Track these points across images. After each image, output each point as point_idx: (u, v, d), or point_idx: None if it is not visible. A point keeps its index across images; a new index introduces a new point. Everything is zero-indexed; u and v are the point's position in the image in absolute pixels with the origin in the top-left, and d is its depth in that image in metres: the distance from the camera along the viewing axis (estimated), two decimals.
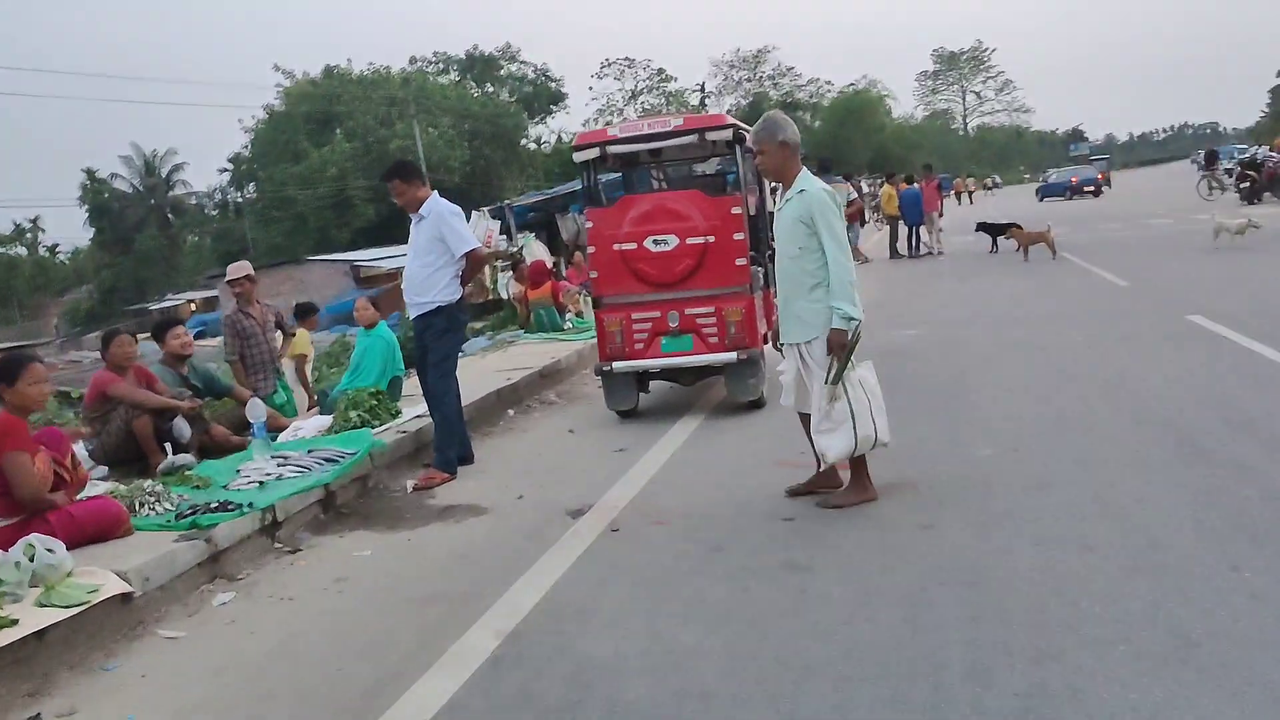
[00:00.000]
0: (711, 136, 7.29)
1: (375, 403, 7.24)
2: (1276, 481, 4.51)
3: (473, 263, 6.49)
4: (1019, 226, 18.72)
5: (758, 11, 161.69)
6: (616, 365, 7.37)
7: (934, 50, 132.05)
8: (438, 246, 6.38)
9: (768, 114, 5.04)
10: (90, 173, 65.73)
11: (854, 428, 4.80)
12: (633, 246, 7.23)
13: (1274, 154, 30.45)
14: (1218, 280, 12.04)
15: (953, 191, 54.26)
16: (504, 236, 18.13)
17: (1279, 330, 8.20)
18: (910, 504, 4.85)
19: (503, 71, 69.15)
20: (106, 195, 66.42)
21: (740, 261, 7.22)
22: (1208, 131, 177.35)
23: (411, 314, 6.60)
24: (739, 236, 7.19)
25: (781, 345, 5.15)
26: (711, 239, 7.16)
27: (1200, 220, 23.56)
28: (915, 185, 21.52)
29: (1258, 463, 4.81)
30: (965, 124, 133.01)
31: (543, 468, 6.56)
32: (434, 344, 6.48)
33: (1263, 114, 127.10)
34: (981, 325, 10.43)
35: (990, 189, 78.81)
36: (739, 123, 7.67)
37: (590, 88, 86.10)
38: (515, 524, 5.33)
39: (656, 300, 7.30)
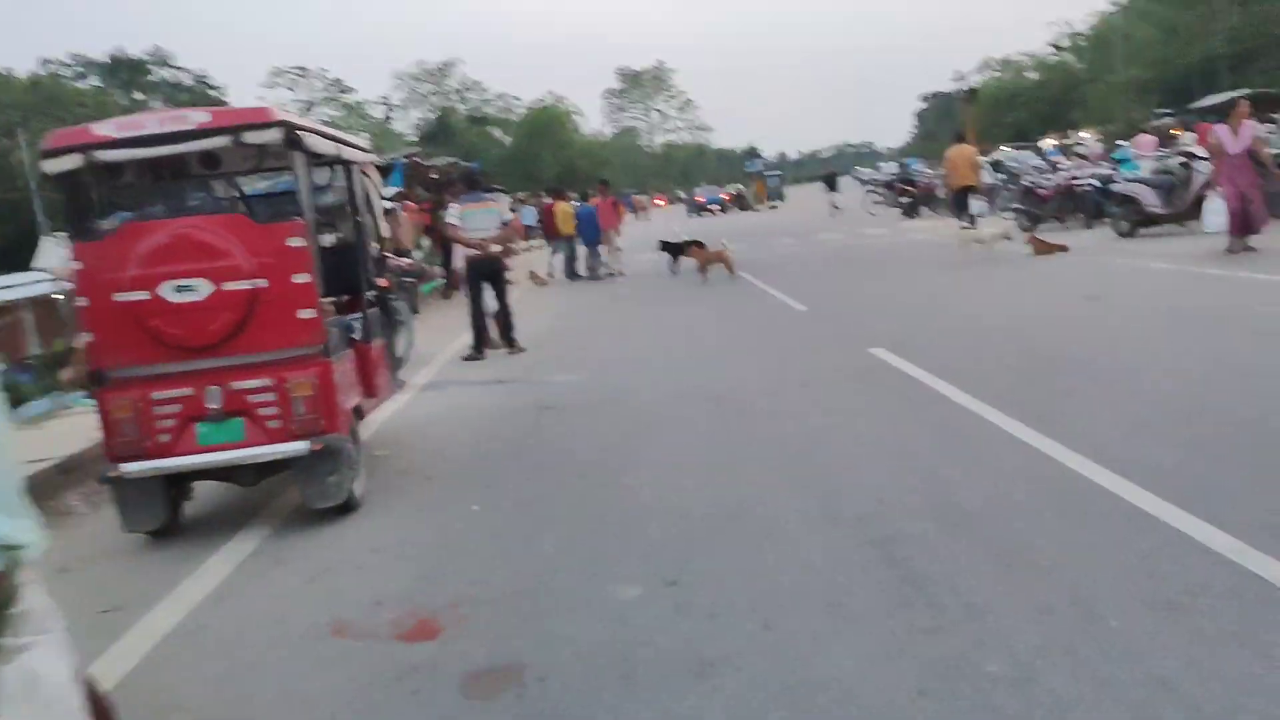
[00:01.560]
0: (252, 139, 5.15)
1: None
2: (1026, 648, 3.06)
3: None
4: (699, 245, 17.86)
5: (440, 24, 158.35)
6: (130, 468, 5.05)
7: (618, 69, 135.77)
8: None
9: None
10: None
11: None
12: (144, 296, 4.96)
13: (928, 170, 32.33)
14: (894, 303, 11.39)
15: (634, 208, 54.52)
16: None
17: (964, 366, 7.26)
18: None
19: (153, 77, 62.47)
20: None
21: (307, 314, 5.14)
22: (865, 151, 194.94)
23: None
24: (302, 279, 5.12)
25: None
26: (262, 283, 5.05)
27: (868, 235, 24.14)
28: (589, 202, 20.27)
29: (993, 605, 3.38)
30: (652, 141, 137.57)
31: None
32: None
33: (911, 135, 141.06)
34: (654, 365, 8.98)
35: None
36: (296, 119, 5.61)
37: (261, 98, 79.91)
38: None
39: (187, 371, 5.08)
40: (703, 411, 6.88)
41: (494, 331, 10.88)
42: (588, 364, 9.40)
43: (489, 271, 10.44)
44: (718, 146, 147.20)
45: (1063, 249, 14.57)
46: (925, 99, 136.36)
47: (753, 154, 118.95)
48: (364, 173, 6.89)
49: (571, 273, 20.30)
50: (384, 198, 8.90)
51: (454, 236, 10.53)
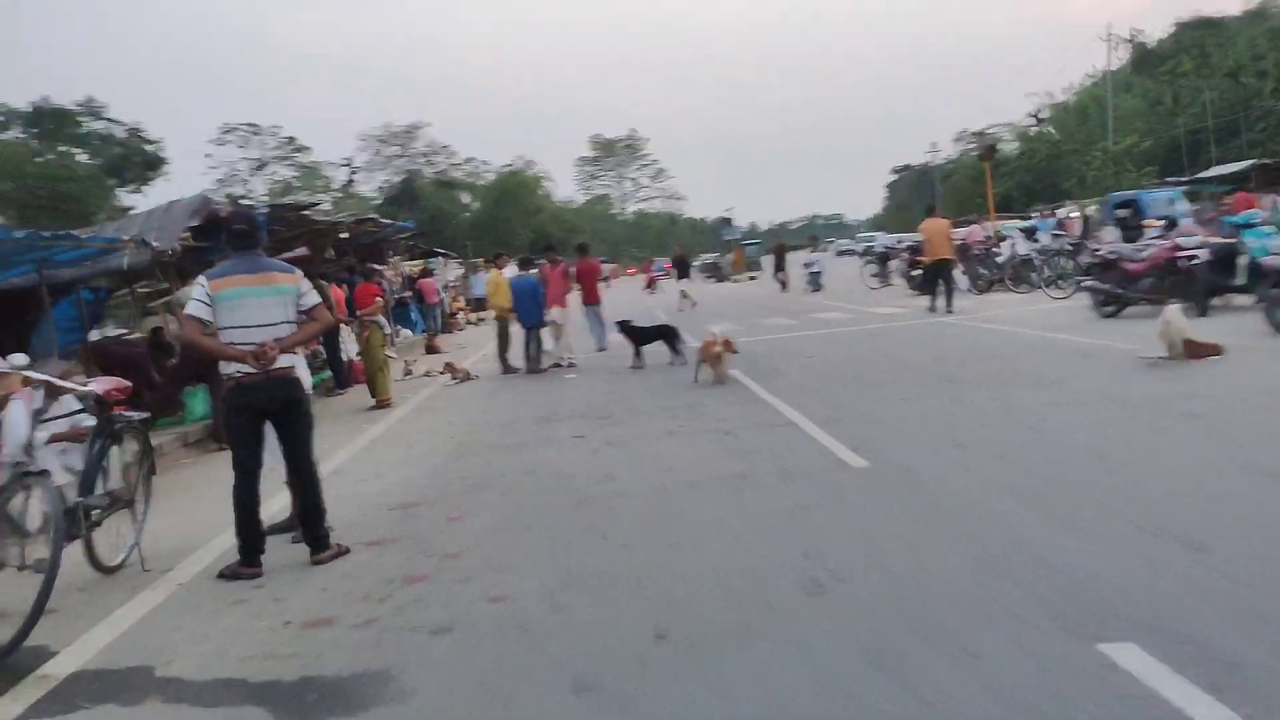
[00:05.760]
0: None
1: None
2: None
3: None
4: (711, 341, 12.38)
5: (406, 87, 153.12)
6: None
7: (591, 137, 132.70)
8: None
9: None
10: None
11: None
12: None
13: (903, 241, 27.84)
14: (1025, 459, 6.42)
15: (608, 278, 49.68)
16: None
17: None
18: None
19: (83, 129, 57.32)
20: None
21: None
22: (835, 222, 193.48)
23: None
24: None
25: None
26: None
27: (878, 314, 19.37)
28: (531, 272, 15.34)
29: None
30: (624, 209, 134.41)
31: None
32: None
33: (884, 205, 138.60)
34: (580, 639, 3.96)
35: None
36: None
37: (208, 155, 75.19)
38: None
39: None
40: None
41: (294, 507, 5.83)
42: (447, 611, 4.35)
43: (273, 403, 5.39)
44: (690, 215, 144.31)
45: (1214, 351, 9.77)
46: (896, 171, 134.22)
47: (727, 222, 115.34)
48: None
49: (505, 363, 15.27)
50: None
51: (192, 339, 5.43)
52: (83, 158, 56.20)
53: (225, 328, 5.26)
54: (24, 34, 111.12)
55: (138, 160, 58.85)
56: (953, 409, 8.39)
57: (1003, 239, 24.79)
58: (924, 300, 21.91)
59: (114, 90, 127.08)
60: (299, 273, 5.53)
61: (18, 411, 6.05)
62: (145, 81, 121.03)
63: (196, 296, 5.29)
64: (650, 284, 43.07)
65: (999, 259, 22.62)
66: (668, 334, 14.04)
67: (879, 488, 6.02)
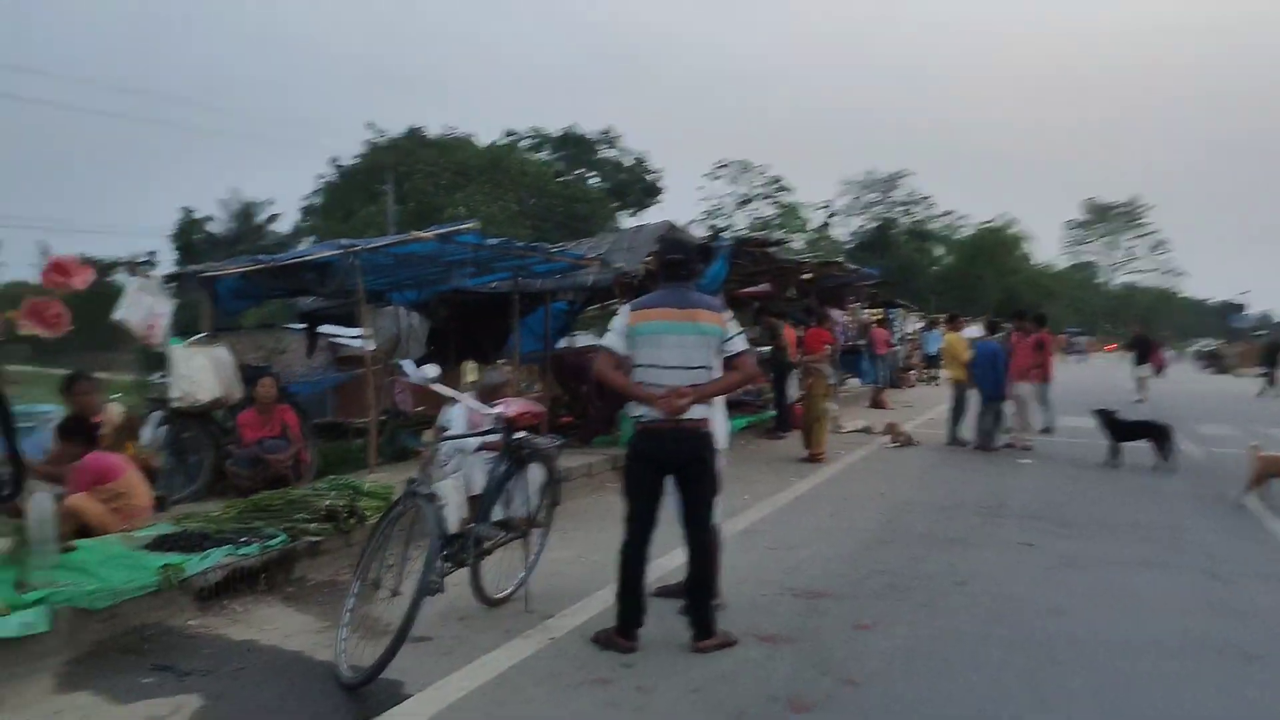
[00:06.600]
0: None
1: None
2: None
3: None
4: (1258, 448, 9.83)
5: (896, 135, 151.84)
6: None
7: (1085, 199, 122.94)
8: None
9: None
10: (188, 211, 62.39)
11: None
12: None
13: None
14: None
15: (1080, 352, 45.20)
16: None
17: None
18: None
19: (599, 156, 63.89)
20: (199, 237, 62.90)
21: None
22: None
23: None
24: None
25: None
26: None
27: None
28: (995, 338, 13.81)
29: None
30: (1110, 279, 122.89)
31: None
32: None
33: None
34: None
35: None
36: None
37: (700, 186, 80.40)
38: None
39: None
40: None
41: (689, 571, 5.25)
42: None
43: (676, 458, 4.84)
44: (1187, 295, 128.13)
45: None
46: None
47: (1236, 308, 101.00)
48: None
49: (953, 435, 13.94)
50: None
51: (601, 372, 4.99)
52: (594, 181, 62.53)
53: (639, 365, 4.82)
54: (565, 70, 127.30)
55: (639, 187, 64.27)
56: None
57: None
58: None
59: (630, 122, 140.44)
60: (728, 314, 4.94)
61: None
62: (658, 116, 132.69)
63: (614, 326, 4.91)
64: (1159, 367, 36.73)
65: None
66: (1157, 432, 11.85)
67: None
